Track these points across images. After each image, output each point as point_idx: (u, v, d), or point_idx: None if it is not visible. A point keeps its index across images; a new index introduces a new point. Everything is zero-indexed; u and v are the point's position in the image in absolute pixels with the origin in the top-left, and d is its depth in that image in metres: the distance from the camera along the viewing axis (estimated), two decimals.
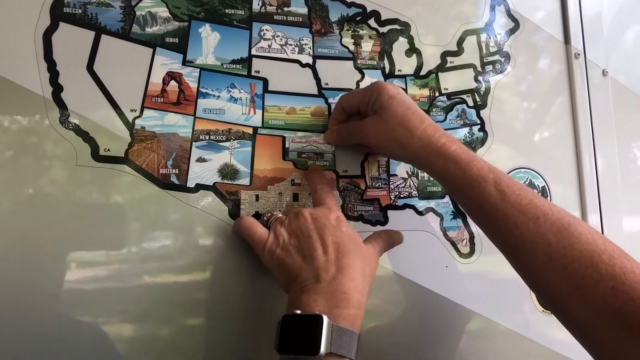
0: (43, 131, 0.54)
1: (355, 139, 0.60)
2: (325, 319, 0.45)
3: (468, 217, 0.68)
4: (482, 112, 0.71)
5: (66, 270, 0.53)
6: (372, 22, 0.67)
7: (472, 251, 0.68)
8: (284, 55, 0.63)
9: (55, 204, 0.54)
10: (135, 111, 0.57)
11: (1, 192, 0.52)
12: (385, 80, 0.67)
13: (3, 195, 0.52)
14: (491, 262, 0.68)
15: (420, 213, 0.66)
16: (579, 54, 0.76)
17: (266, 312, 0.59)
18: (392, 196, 0.65)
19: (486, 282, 0.68)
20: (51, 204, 0.54)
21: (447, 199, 0.68)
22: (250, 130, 0.61)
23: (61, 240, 0.53)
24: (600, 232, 0.72)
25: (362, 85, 0.66)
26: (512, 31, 0.74)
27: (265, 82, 0.62)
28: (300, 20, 0.64)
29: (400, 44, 0.68)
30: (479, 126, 0.70)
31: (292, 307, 0.48)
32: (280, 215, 0.56)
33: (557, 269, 0.45)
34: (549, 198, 0.72)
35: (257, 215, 0.59)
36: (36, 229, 0.53)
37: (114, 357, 0.54)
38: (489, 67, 0.72)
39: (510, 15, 0.74)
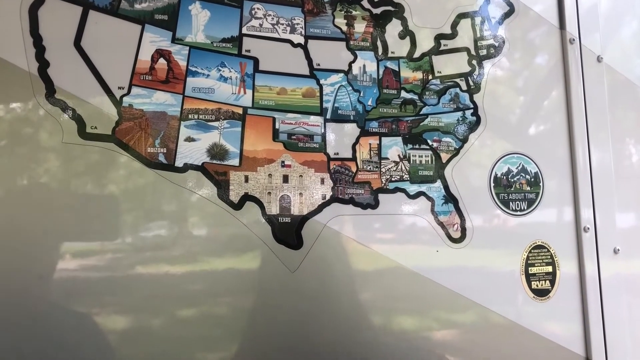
0: (28, 108, 0.53)
1: None
2: None
3: (460, 201, 0.67)
4: (476, 96, 0.70)
5: (54, 256, 0.53)
6: (365, 2, 0.66)
7: (463, 236, 0.67)
8: (275, 35, 0.62)
9: (39, 182, 0.53)
10: (123, 89, 0.56)
11: None
12: (378, 62, 0.66)
13: None
14: (482, 247, 0.68)
15: (411, 197, 0.66)
16: (573, 40, 0.75)
17: (260, 303, 0.59)
18: (383, 179, 0.65)
19: (476, 268, 0.67)
20: (35, 181, 0.53)
21: (438, 183, 0.67)
22: (240, 110, 0.60)
23: (44, 218, 0.53)
24: (594, 227, 0.72)
25: (355, 66, 0.65)
26: (506, 15, 0.73)
27: (255, 61, 0.61)
28: None
29: (394, 26, 0.67)
30: (471, 110, 0.70)
31: None
32: None
33: None
34: (541, 184, 0.72)
35: (247, 197, 0.59)
36: (17, 205, 0.52)
37: (105, 346, 0.54)
38: (483, 51, 0.71)
39: None
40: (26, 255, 0.52)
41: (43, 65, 0.54)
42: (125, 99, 0.56)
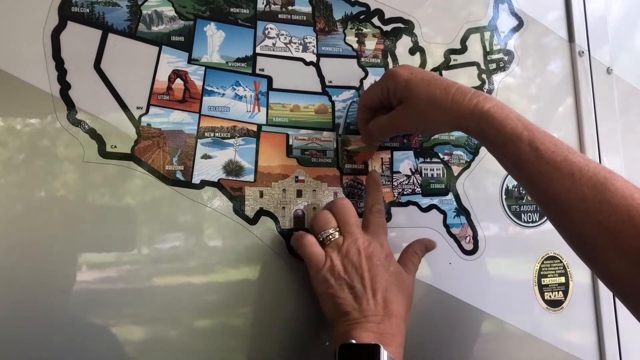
0: (50, 128, 0.55)
1: (391, 132, 0.62)
2: (382, 348, 0.48)
3: (472, 214, 0.68)
4: None
5: (74, 269, 0.54)
6: (375, 20, 0.68)
7: (475, 248, 0.68)
8: (288, 54, 0.64)
9: (62, 201, 0.55)
10: (141, 109, 0.58)
11: (8, 188, 0.53)
12: None
13: (10, 191, 0.53)
14: (494, 259, 0.68)
15: (423, 210, 0.67)
16: (583, 52, 0.76)
17: (277, 314, 0.60)
18: (395, 193, 0.66)
19: (490, 279, 0.68)
20: (57, 200, 0.55)
21: (450, 195, 0.68)
22: (254, 128, 0.62)
23: (65, 237, 0.54)
24: None
25: (366, 83, 0.66)
26: (516, 29, 0.74)
27: (269, 80, 0.63)
28: (304, 18, 0.65)
29: (404, 42, 0.69)
30: None
31: (344, 339, 0.50)
32: (337, 237, 0.55)
33: (593, 224, 0.45)
34: None
35: (262, 212, 0.60)
36: (41, 224, 0.54)
37: (124, 357, 0.55)
38: (493, 66, 0.72)
39: (514, 13, 0.75)
40: (48, 269, 0.53)
41: (65, 87, 0.56)
42: (143, 118, 0.58)
